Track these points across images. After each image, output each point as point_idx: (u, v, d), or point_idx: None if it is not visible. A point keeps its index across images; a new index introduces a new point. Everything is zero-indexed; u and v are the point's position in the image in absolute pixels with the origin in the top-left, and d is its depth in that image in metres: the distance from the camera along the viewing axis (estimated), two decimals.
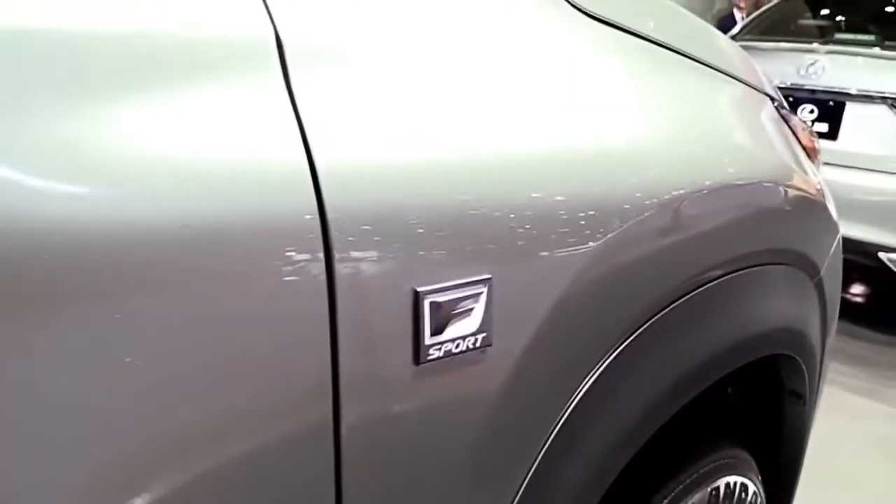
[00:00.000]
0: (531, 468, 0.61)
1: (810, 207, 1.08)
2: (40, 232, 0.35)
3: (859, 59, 3.89)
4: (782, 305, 0.99)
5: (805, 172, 1.09)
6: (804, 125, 1.30)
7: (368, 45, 0.53)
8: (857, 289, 4.11)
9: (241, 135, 0.43)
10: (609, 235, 0.64)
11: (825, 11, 5.04)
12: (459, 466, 0.57)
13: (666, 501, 0.87)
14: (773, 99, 1.15)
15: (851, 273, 3.51)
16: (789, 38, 4.45)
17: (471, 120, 0.56)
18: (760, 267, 0.90)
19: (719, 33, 1.10)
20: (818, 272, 1.10)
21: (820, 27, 4.92)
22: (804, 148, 1.23)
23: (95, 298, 0.37)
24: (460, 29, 0.60)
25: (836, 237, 1.22)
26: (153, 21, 0.42)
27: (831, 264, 1.18)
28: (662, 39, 0.84)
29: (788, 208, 0.98)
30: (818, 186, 1.15)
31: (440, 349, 0.52)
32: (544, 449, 0.61)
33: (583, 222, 0.62)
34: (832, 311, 1.23)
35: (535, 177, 0.59)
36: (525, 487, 0.60)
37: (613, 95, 0.72)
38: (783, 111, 1.18)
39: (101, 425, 0.39)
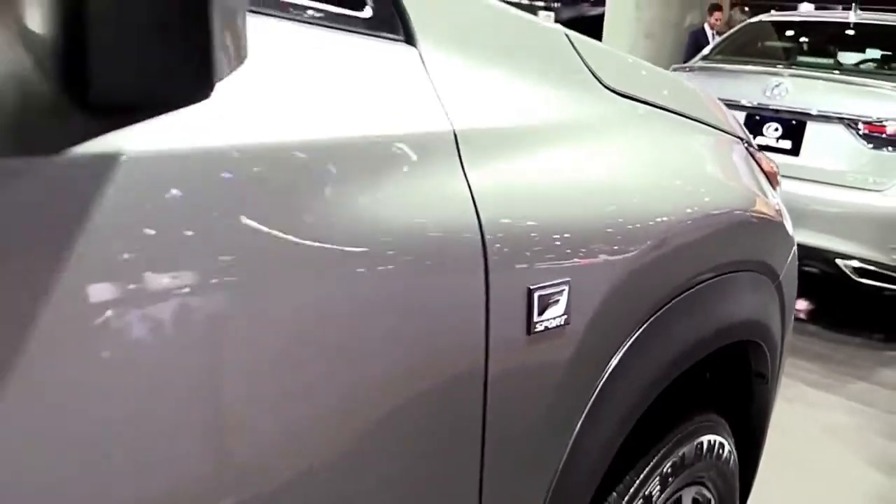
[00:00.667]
0: (589, 402, 0.90)
1: (771, 226, 1.38)
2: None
3: (819, 82, 4.15)
4: (751, 302, 1.29)
5: (766, 197, 1.39)
6: (767, 158, 1.60)
7: (502, 129, 0.82)
8: (815, 292, 4.41)
9: (437, 196, 0.71)
10: (636, 250, 0.94)
11: (789, 33, 5.37)
12: (550, 399, 0.85)
13: (664, 450, 1.16)
14: (742, 139, 1.45)
15: (811, 277, 3.78)
16: (756, 61, 4.74)
17: (556, 174, 0.86)
18: (734, 273, 1.20)
19: (702, 92, 1.39)
20: (778, 277, 1.40)
21: (784, 49, 5.23)
22: (766, 174, 1.53)
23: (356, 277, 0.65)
24: (547, 108, 0.90)
25: (792, 248, 1.52)
26: (371, 126, 0.69)
27: (789, 270, 1.48)
28: (661, 103, 1.14)
29: (754, 228, 1.28)
30: (777, 207, 1.45)
31: (542, 325, 0.80)
32: (597, 390, 0.91)
33: (619, 242, 0.91)
34: (790, 308, 1.53)
35: (593, 212, 0.89)
36: (586, 415, 0.89)
37: (635, 150, 1.02)
38: (750, 149, 1.48)
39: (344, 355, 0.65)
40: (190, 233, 0.53)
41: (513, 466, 0.83)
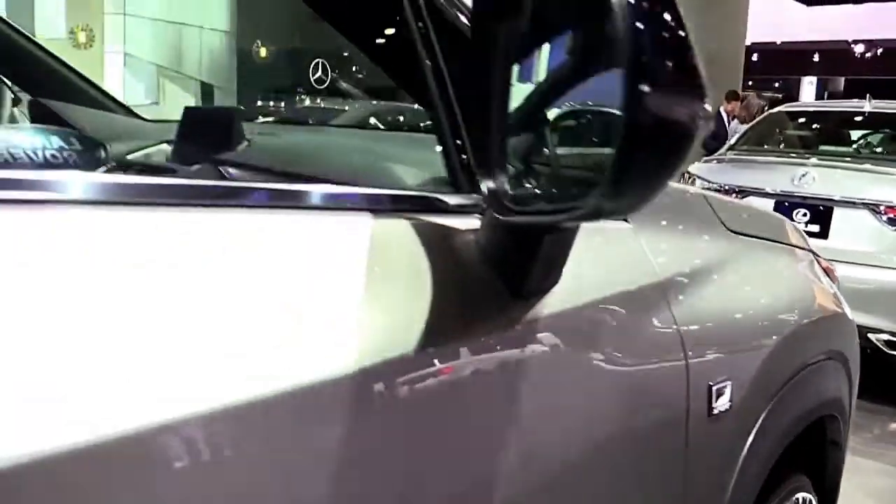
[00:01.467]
0: (738, 466, 1.21)
1: (842, 319, 1.73)
2: None
3: (842, 171, 4.52)
4: (831, 383, 1.63)
5: (836, 296, 1.74)
6: (824, 259, 1.94)
7: (685, 272, 1.17)
8: None
9: (658, 326, 1.06)
10: (767, 350, 1.28)
11: (809, 122, 5.76)
12: (719, 462, 1.19)
13: (776, 501, 1.48)
14: (811, 251, 1.79)
15: None
16: (780, 151, 5.11)
17: (715, 300, 1.21)
18: (822, 361, 1.54)
19: (784, 218, 1.76)
20: (847, 361, 1.73)
21: (806, 138, 5.58)
22: (827, 273, 1.87)
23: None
24: (702, 251, 1.26)
25: (855, 335, 1.85)
26: (621, 283, 1.04)
27: (853, 353, 1.81)
28: (762, 234, 1.50)
29: (832, 323, 1.63)
30: (839, 300, 1.78)
31: (716, 409, 1.13)
32: (742, 458, 1.22)
33: (757, 346, 1.27)
34: (854, 385, 1.86)
35: (740, 325, 1.24)
36: (737, 475, 1.21)
37: (755, 273, 1.38)
38: (815, 256, 1.83)
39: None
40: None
41: None
